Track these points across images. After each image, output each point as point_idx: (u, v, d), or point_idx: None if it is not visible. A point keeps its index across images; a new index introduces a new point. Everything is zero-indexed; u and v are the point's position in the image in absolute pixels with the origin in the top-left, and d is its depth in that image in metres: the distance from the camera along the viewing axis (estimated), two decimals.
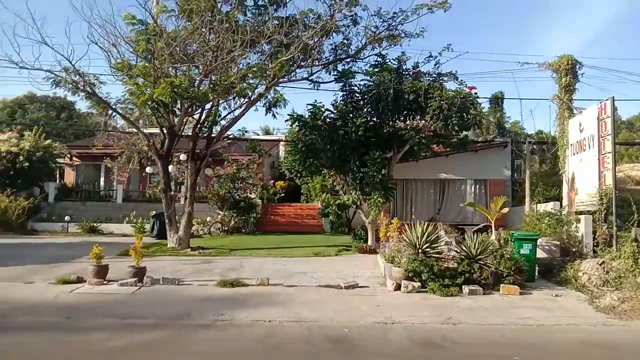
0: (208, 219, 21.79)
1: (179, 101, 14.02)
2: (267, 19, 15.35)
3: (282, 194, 27.59)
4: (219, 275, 11.10)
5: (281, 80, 16.52)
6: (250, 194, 22.67)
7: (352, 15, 15.63)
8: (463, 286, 9.59)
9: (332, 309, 8.46)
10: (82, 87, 14.89)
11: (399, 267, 9.91)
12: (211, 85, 14.34)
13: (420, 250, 9.91)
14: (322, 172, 17.77)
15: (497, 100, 18.98)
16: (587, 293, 9.72)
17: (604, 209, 11.23)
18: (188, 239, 15.90)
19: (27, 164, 23.45)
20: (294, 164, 17.01)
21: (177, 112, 15.68)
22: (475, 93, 15.51)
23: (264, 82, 16.02)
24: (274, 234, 21.22)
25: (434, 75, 15.80)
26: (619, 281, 9.94)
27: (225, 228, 21.03)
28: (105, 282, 10.21)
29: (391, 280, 9.87)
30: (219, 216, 21.32)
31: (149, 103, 14.13)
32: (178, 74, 14.98)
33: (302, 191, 25.04)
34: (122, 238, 20.50)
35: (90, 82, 14.92)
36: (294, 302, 8.90)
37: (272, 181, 28.59)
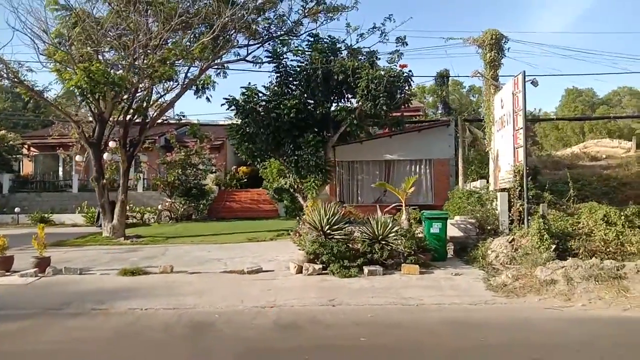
0: (159, 206, 21.64)
1: (103, 87, 13.66)
2: None
3: (245, 180, 27.43)
4: (132, 264, 10.93)
5: (216, 62, 16.30)
6: (203, 180, 22.42)
7: None
8: (364, 267, 9.51)
9: (219, 295, 8.35)
10: (5, 75, 14.55)
11: (302, 249, 9.82)
12: (133, 70, 14.01)
13: (322, 232, 9.80)
14: (264, 157, 17.51)
15: (442, 79, 18.76)
16: (490, 271, 9.66)
17: (517, 185, 11.13)
18: (123, 227, 15.73)
19: None
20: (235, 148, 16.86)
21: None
22: (410, 71, 15.28)
23: (198, 64, 15.79)
24: (226, 221, 21.11)
25: (364, 53, 15.54)
26: (525, 258, 9.88)
27: (174, 216, 20.85)
28: (7, 274, 10.04)
29: (294, 263, 9.77)
30: (167, 204, 21.13)
31: (74, 90, 13.89)
32: (106, 58, 14.72)
33: (260, 175, 24.84)
34: (71, 228, 20.37)
35: (14, 70, 14.54)
36: (186, 289, 8.77)
37: (234, 167, 28.44)
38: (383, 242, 9.77)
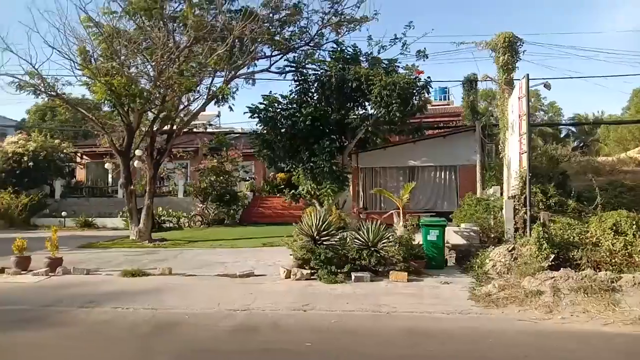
0: (193, 212, 22.45)
1: (125, 99, 14.45)
2: (217, 12, 15.66)
3: (282, 186, 27.94)
4: (141, 266, 11.44)
5: (238, 73, 16.81)
6: (235, 186, 23.05)
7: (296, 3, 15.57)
8: (352, 273, 9.50)
9: (201, 297, 8.62)
10: (43, 90, 15.66)
11: (292, 255, 9.96)
12: (155, 82, 14.71)
13: (312, 238, 9.88)
14: (283, 164, 17.84)
15: (470, 83, 18.31)
16: (484, 280, 9.36)
17: (521, 192, 10.74)
18: (149, 231, 16.44)
19: (31, 163, 24.93)
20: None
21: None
22: (428, 77, 15.14)
23: (220, 75, 16.39)
24: (256, 226, 21.55)
25: (384, 61, 15.52)
26: (524, 268, 9.52)
27: (206, 221, 21.55)
28: (23, 272, 10.81)
29: (283, 268, 9.92)
30: (199, 209, 21.88)
31: (104, 101, 14.83)
32: (130, 72, 15.56)
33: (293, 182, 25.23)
34: (110, 231, 21.55)
35: (50, 85, 15.63)
36: (174, 291, 9.11)
37: (271, 173, 29.05)
38: (373, 249, 9.73)
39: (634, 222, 9.85)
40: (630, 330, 6.64)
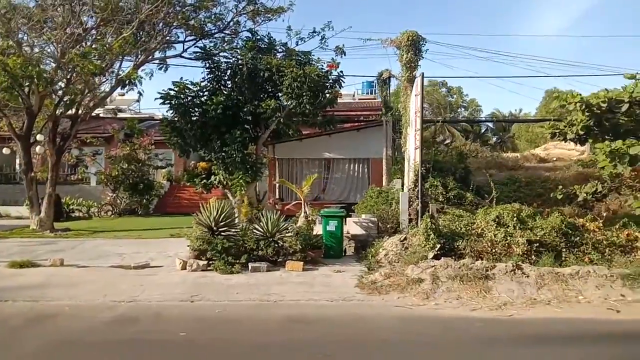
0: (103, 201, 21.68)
1: (21, 80, 13.67)
2: None
3: (204, 175, 27.49)
4: (35, 257, 10.97)
5: (151, 57, 16.34)
6: (149, 175, 22.45)
7: None
8: (250, 263, 9.61)
9: (88, 289, 8.43)
10: None
11: (189, 246, 9.94)
12: (57, 64, 14.04)
13: (210, 229, 9.90)
14: (195, 152, 17.64)
15: (383, 79, 18.85)
16: (377, 269, 9.76)
17: (413, 185, 11.28)
18: (50, 220, 15.72)
19: None
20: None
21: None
22: (341, 72, 15.43)
23: (129, 59, 15.86)
24: (170, 216, 21.14)
25: (299, 53, 15.64)
26: (411, 257, 10.01)
27: (117, 210, 20.89)
28: None
29: (179, 259, 9.87)
30: (109, 198, 21.17)
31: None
32: (32, 52, 14.74)
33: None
34: (14, 220, 20.38)
35: None
36: (62, 282, 8.85)
37: (192, 162, 28.47)
38: (271, 239, 9.88)
39: (515, 215, 10.63)
40: (493, 315, 7.20)
